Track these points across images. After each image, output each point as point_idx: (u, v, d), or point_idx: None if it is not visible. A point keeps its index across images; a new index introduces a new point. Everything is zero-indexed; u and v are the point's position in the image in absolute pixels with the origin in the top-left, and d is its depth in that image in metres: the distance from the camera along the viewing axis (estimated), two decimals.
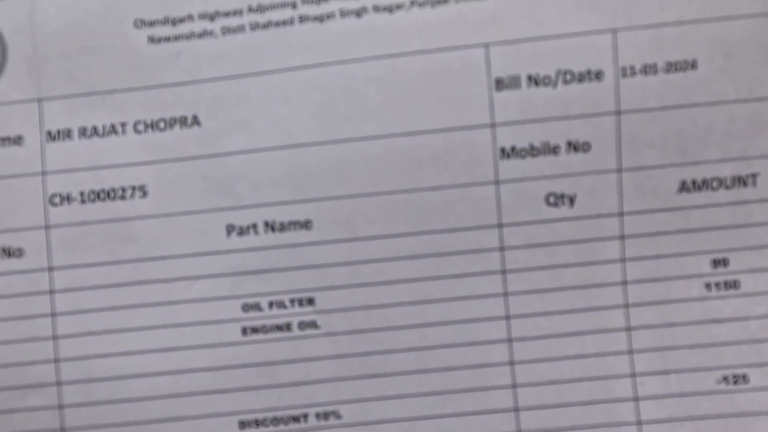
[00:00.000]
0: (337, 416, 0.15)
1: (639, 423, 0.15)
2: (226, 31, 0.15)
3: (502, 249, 0.15)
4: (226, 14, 0.15)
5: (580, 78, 0.14)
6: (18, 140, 0.15)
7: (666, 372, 0.15)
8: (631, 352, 0.15)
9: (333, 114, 0.15)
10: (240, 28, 0.15)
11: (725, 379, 0.15)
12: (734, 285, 0.15)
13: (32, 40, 0.15)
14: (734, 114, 0.14)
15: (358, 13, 0.14)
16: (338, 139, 0.15)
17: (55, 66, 0.15)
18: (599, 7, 0.14)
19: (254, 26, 0.15)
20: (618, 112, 0.14)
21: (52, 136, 0.15)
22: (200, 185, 0.15)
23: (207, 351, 0.15)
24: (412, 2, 0.14)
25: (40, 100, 0.15)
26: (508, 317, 0.15)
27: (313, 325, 0.15)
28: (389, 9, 0.14)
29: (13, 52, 0.15)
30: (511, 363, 0.15)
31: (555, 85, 0.14)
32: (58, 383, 0.15)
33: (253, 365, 0.15)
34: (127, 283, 0.15)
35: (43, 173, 0.15)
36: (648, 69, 0.14)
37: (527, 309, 0.15)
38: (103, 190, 0.15)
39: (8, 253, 0.15)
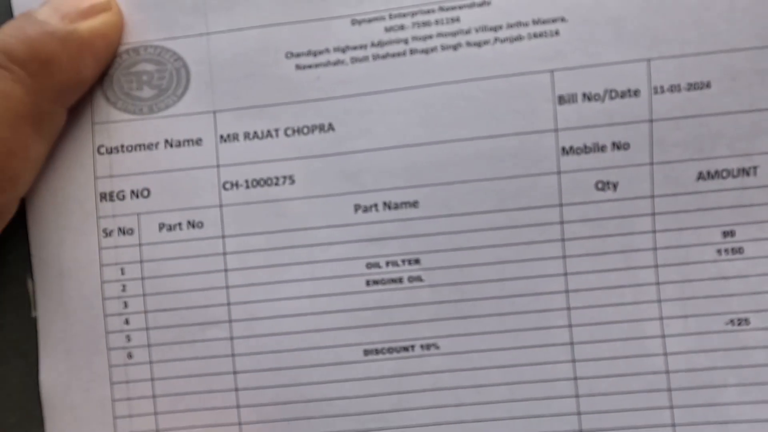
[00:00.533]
0: (437, 347, 0.19)
1: (665, 354, 0.19)
2: (354, 60, 0.20)
3: (561, 223, 0.19)
4: (354, 48, 0.20)
5: (622, 95, 0.19)
6: (199, 141, 0.20)
7: (686, 316, 0.19)
8: (659, 301, 0.19)
9: (435, 122, 0.19)
10: (365, 58, 0.20)
11: (731, 321, 0.19)
12: (739, 251, 0.19)
13: (209, 68, 0.20)
14: (739, 122, 0.18)
15: (455, 47, 0.19)
16: (439, 140, 0.19)
17: (226, 87, 0.20)
18: (637, 43, 0.18)
19: (376, 57, 0.20)
20: (651, 121, 0.19)
21: (223, 139, 0.20)
22: (334, 175, 0.20)
23: (340, 298, 0.20)
24: (496, 39, 0.19)
25: (215, 112, 0.20)
26: (566, 274, 0.19)
27: (419, 279, 0.19)
28: (478, 44, 0.19)
29: (195, 76, 0.20)
30: (568, 309, 0.19)
31: (603, 101, 0.19)
32: (230, 321, 0.20)
33: (374, 308, 0.19)
34: (280, 247, 0.20)
35: (218, 166, 0.20)
36: (674, 88, 0.18)
37: (581, 268, 0.19)
38: (262, 179, 0.20)
39: (193, 224, 0.20)
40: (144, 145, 0.20)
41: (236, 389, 0.20)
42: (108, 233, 0.20)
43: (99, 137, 0.20)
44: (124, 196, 0.20)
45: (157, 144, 0.20)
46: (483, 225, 0.19)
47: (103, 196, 0.20)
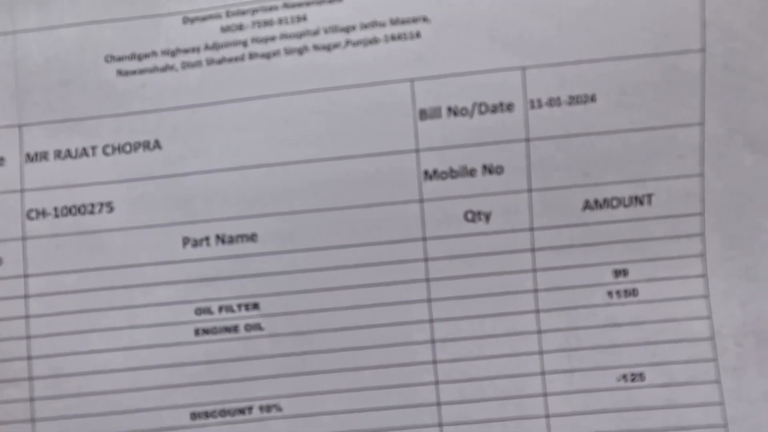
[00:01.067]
0: (278, 409, 0.16)
1: (547, 416, 0.16)
2: (186, 65, 0.17)
3: (426, 260, 0.16)
4: (186, 51, 0.17)
5: (494, 109, 0.16)
6: (0, 161, 0.17)
7: (572, 371, 0.16)
8: (541, 352, 0.16)
9: (278, 140, 0.16)
10: (197, 63, 0.17)
11: (624, 377, 0.16)
12: (633, 293, 0.16)
13: (15, 74, 0.17)
14: (629, 141, 0.16)
15: (300, 51, 0.16)
16: (282, 162, 0.16)
17: (36, 96, 0.17)
18: (510, 47, 0.16)
19: (210, 61, 0.17)
20: (527, 140, 0.16)
21: (30, 158, 0.17)
22: (160, 202, 0.17)
23: (163, 350, 0.16)
24: (348, 42, 0.16)
25: (20, 126, 0.17)
26: (431, 320, 0.16)
27: (258, 327, 0.16)
28: (327, 47, 0.16)
29: None
30: (434, 362, 0.16)
31: (471, 116, 0.16)
32: (30, 378, 0.17)
33: (203, 363, 0.16)
34: (94, 288, 0.17)
35: (22, 190, 0.17)
36: (553, 102, 0.16)
37: (449, 313, 0.16)
38: (75, 206, 0.17)
39: None
40: None
41: None
42: None
43: None
44: None
45: None
46: (333, 263, 0.16)
47: None
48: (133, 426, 0.16)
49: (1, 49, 0.17)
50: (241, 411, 0.16)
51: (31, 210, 0.17)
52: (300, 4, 0.16)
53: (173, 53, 0.17)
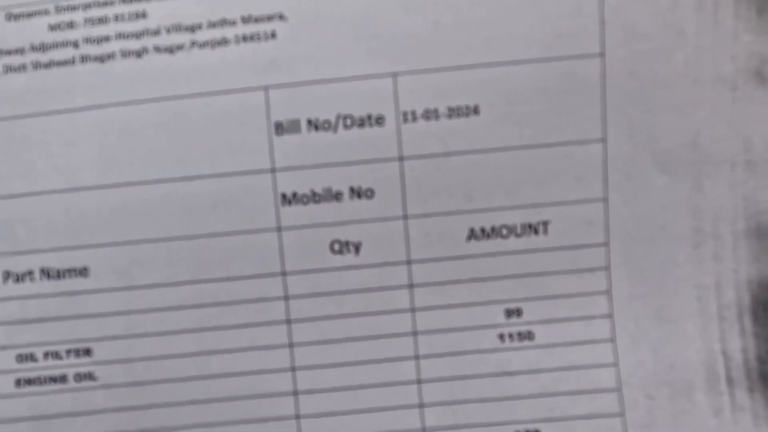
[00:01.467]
0: None
1: None
2: (9, 69, 0.14)
3: (286, 298, 0.14)
4: (8, 52, 0.14)
5: (361, 123, 0.14)
6: None
7: (457, 427, 0.14)
8: (422, 405, 0.14)
9: (114, 157, 0.14)
10: (22, 67, 0.14)
11: None
12: (528, 336, 0.14)
13: None
14: (520, 160, 0.14)
15: (139, 53, 0.14)
16: (118, 183, 0.14)
17: None
18: (379, 50, 0.13)
19: (37, 65, 0.14)
20: (401, 158, 0.14)
21: None
22: None
23: None
24: (193, 43, 0.14)
25: None
26: (293, 369, 0.14)
27: (90, 376, 0.14)
28: (170, 50, 0.14)
29: None
30: (298, 417, 0.14)
31: (335, 130, 0.14)
32: None
33: (26, 419, 0.14)
34: None
35: None
36: (429, 114, 0.14)
37: (314, 360, 0.14)
38: None
39: None
40: None
41: None
42: None
43: None
44: None
45: None
46: (177, 302, 0.14)
47: None
48: None
49: None
50: None
51: None
52: None
53: None
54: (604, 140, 0.14)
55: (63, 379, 0.14)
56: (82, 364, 0.14)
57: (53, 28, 0.14)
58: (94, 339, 0.14)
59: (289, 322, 0.14)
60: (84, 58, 0.14)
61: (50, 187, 0.14)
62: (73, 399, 0.14)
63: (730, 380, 0.14)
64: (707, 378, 0.14)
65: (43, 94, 0.14)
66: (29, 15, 0.14)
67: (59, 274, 0.14)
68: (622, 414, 0.14)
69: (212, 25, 0.14)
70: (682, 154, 0.14)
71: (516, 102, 0.13)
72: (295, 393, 0.14)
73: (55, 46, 0.14)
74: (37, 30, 0.14)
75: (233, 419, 0.14)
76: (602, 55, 0.13)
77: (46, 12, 0.14)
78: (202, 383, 0.14)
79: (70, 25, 0.14)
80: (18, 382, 0.14)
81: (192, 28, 0.14)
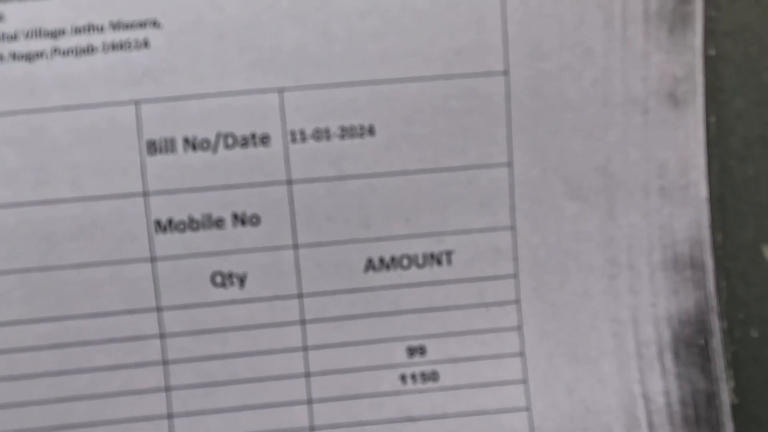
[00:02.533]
0: None
1: None
2: None
3: (162, 336, 0.13)
4: None
5: (244, 142, 0.12)
6: None
7: None
8: None
9: None
10: None
11: None
12: (432, 377, 0.13)
13: None
14: (421, 185, 0.13)
15: None
16: None
17: None
18: (264, 62, 0.12)
19: None
20: (289, 182, 0.13)
21: None
22: None
23: None
24: (55, 50, 0.13)
25: None
26: (170, 416, 0.13)
27: None
28: (28, 57, 0.13)
29: None
30: None
31: (215, 150, 0.12)
32: None
33: None
34: None
35: None
36: (320, 134, 0.12)
37: (194, 406, 0.13)
38: None
39: None
40: None
41: None
42: None
43: None
44: None
45: None
46: (36, 341, 0.12)
47: None
48: None
49: None
50: None
51: None
52: None
53: None
54: (510, 164, 0.13)
55: None
56: None
57: None
58: None
59: (166, 362, 0.13)
60: None
61: None
62: None
63: (651, 426, 0.13)
64: (627, 423, 0.13)
65: None
66: None
67: None
68: None
69: (77, 30, 0.12)
70: (593, 180, 0.13)
71: (414, 122, 0.12)
72: None
73: None
74: None
75: None
76: (506, 73, 0.12)
77: None
78: None
79: None
80: None
81: (54, 34, 0.12)
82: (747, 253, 0.13)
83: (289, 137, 0.12)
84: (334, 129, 0.12)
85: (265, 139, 0.12)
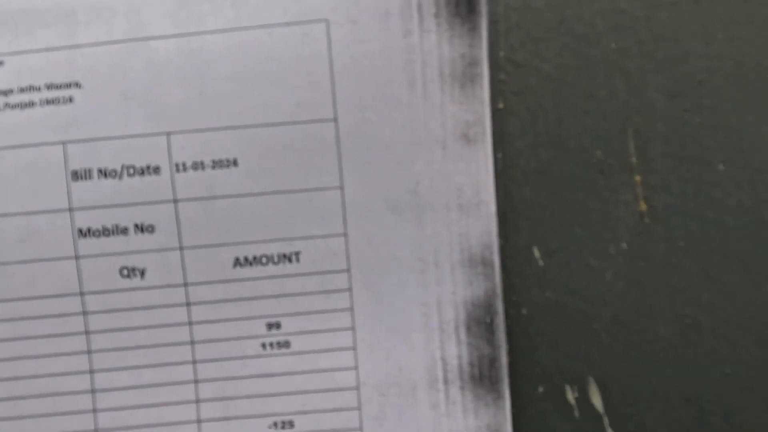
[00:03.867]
0: None
1: None
2: None
3: (84, 314, 0.17)
4: None
5: (142, 171, 0.17)
6: None
7: (227, 419, 0.17)
8: (198, 401, 0.17)
9: None
10: None
11: (275, 424, 0.17)
12: (285, 344, 0.17)
13: None
14: (274, 203, 0.17)
15: None
16: None
17: None
18: (157, 114, 0.16)
19: None
20: (175, 200, 0.17)
21: None
22: None
23: None
24: (6, 104, 0.17)
25: None
26: (91, 371, 0.17)
27: None
28: None
29: None
30: (94, 410, 0.17)
31: (121, 177, 0.17)
32: None
33: None
34: None
35: None
36: (197, 165, 0.17)
37: (110, 364, 0.17)
38: None
39: None
40: None
41: None
42: None
43: None
44: None
45: None
46: None
47: None
48: None
49: None
50: None
51: None
52: None
53: None
54: (342, 188, 0.17)
55: None
56: None
57: None
58: None
59: (87, 333, 0.17)
60: None
61: None
62: None
63: (446, 380, 0.17)
64: (428, 379, 0.17)
65: None
66: None
67: None
68: (359, 408, 0.17)
69: (22, 90, 0.17)
70: (407, 199, 0.17)
71: (268, 157, 0.16)
72: (93, 391, 0.17)
73: None
74: None
75: (40, 413, 0.17)
76: (336, 120, 0.16)
77: None
78: (11, 384, 0.17)
79: None
80: None
81: (5, 92, 0.16)
82: (522, 253, 0.17)
83: (174, 168, 0.16)
84: (208, 162, 0.16)
85: (156, 170, 0.16)
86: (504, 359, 0.17)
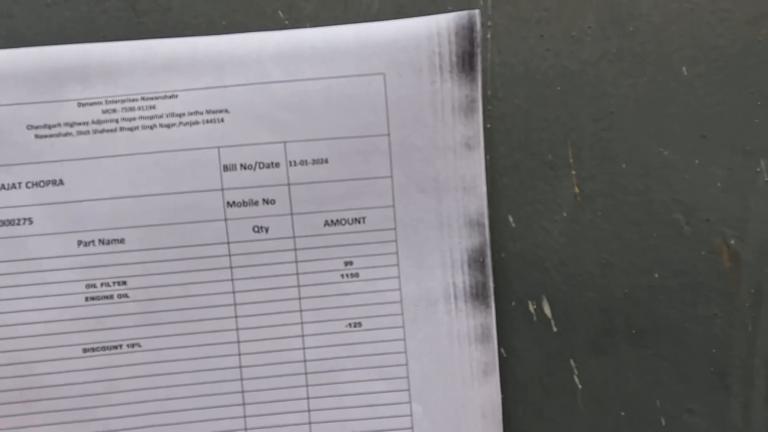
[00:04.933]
0: (139, 346, 0.26)
1: (304, 348, 0.26)
2: (80, 133, 0.26)
3: (230, 255, 0.26)
4: (79, 123, 0.26)
5: (268, 166, 0.26)
6: None
7: (319, 321, 0.26)
8: (300, 311, 0.27)
9: (138, 181, 0.26)
10: (87, 132, 0.26)
11: (350, 324, 0.27)
12: (356, 275, 0.27)
13: None
14: (349, 186, 0.26)
15: (152, 127, 0.26)
16: (140, 195, 0.26)
17: None
18: (277, 130, 0.26)
19: (95, 131, 0.26)
20: (288, 184, 0.26)
21: None
22: (64, 218, 0.26)
23: (65, 310, 0.26)
24: (180, 122, 0.25)
25: None
26: (234, 292, 0.26)
27: (126, 296, 0.26)
28: (168, 126, 0.26)
29: None
30: (236, 317, 0.26)
31: (254, 170, 0.26)
32: None
33: (91, 318, 0.26)
34: (18, 272, 0.25)
35: None
36: (303, 162, 0.26)
37: (245, 287, 0.26)
38: (7, 220, 0.25)
39: None
40: None
41: None
42: None
43: None
44: None
45: None
46: (171, 257, 0.27)
47: None
48: (47, 357, 0.26)
49: None
50: (115, 347, 0.26)
51: None
52: (152, 98, 0.26)
53: (71, 125, 0.26)
54: (391, 177, 0.26)
55: (111, 297, 0.26)
56: (121, 290, 0.26)
57: (104, 111, 0.26)
58: (128, 276, 0.26)
59: (231, 267, 0.26)
60: (122, 128, 0.26)
61: (103, 196, 0.25)
62: (117, 307, 0.26)
63: (455, 297, 0.27)
64: (444, 296, 0.27)
65: (99, 147, 0.26)
66: (91, 104, 0.26)
67: (108, 242, 0.25)
68: (402, 314, 0.27)
69: (190, 113, 0.26)
70: (431, 185, 0.27)
71: (346, 157, 0.26)
72: (234, 305, 0.26)
73: (106, 121, 0.26)
74: (94, 112, 0.26)
75: (201, 318, 0.26)
76: (388, 135, 0.26)
77: (100, 103, 0.26)
78: (185, 300, 0.26)
79: (113, 110, 0.26)
80: (86, 299, 0.25)
81: (180, 115, 0.25)
82: (502, 219, 0.27)
83: (289, 164, 0.25)
84: (309, 160, 0.26)
85: (277, 164, 0.25)
86: (491, 284, 0.27)
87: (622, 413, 0.29)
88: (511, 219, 0.29)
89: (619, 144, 0.28)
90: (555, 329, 0.29)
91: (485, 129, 0.27)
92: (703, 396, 0.29)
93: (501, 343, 0.29)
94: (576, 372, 0.29)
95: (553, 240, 0.29)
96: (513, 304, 0.29)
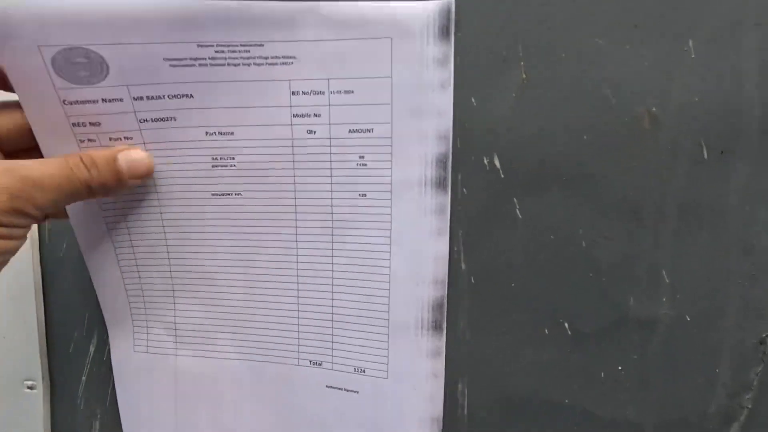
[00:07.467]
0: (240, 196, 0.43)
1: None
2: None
3: (292, 146, 0.41)
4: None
5: (318, 93, 0.40)
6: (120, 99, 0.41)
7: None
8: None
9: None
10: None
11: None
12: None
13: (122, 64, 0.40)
14: None
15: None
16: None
17: (137, 75, 0.40)
18: (323, 68, 0.40)
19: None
20: (329, 105, 0.40)
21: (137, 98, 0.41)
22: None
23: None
24: (267, 62, 0.39)
25: (128, 86, 0.41)
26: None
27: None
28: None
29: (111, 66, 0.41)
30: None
31: (310, 95, 0.40)
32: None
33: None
34: None
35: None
36: (346, 92, 0.40)
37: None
38: None
39: None
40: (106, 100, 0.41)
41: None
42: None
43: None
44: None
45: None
46: (259, 144, 0.44)
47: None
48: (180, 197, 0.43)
49: (119, 53, 0.40)
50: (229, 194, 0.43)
51: None
52: (247, 45, 0.40)
53: (195, 59, 0.40)
54: (391, 104, 0.40)
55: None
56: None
57: None
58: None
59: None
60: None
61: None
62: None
63: (425, 184, 0.44)
64: (419, 182, 0.43)
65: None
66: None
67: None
68: (391, 191, 0.42)
69: (273, 57, 0.39)
70: (416, 110, 0.41)
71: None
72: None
73: None
74: None
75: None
76: (391, 77, 0.39)
77: None
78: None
79: None
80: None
81: (266, 57, 0.39)
82: (465, 101, 0.41)
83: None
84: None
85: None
86: (449, 177, 0.43)
87: (552, 237, 0.39)
88: (473, 100, 0.41)
89: (559, 38, 0.37)
90: (502, 176, 0.40)
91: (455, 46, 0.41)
92: (618, 227, 0.38)
93: (463, 186, 0.41)
94: (518, 206, 0.40)
95: (504, 113, 0.39)
96: (472, 158, 0.41)
